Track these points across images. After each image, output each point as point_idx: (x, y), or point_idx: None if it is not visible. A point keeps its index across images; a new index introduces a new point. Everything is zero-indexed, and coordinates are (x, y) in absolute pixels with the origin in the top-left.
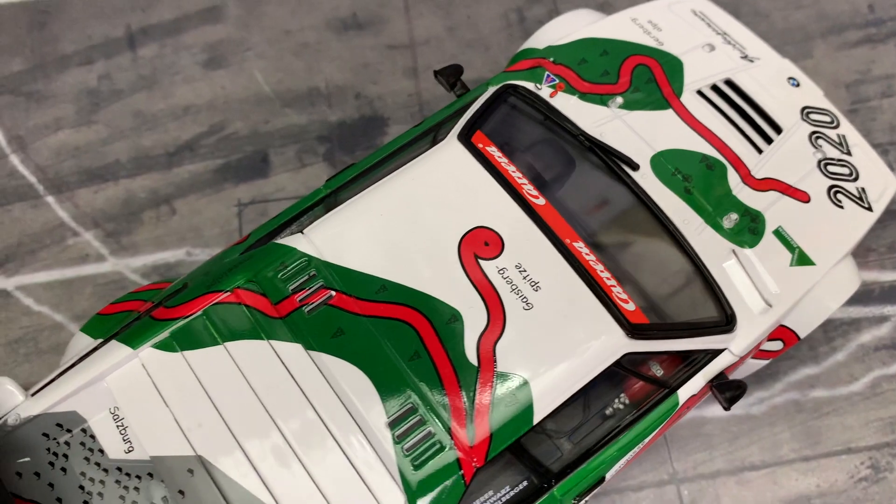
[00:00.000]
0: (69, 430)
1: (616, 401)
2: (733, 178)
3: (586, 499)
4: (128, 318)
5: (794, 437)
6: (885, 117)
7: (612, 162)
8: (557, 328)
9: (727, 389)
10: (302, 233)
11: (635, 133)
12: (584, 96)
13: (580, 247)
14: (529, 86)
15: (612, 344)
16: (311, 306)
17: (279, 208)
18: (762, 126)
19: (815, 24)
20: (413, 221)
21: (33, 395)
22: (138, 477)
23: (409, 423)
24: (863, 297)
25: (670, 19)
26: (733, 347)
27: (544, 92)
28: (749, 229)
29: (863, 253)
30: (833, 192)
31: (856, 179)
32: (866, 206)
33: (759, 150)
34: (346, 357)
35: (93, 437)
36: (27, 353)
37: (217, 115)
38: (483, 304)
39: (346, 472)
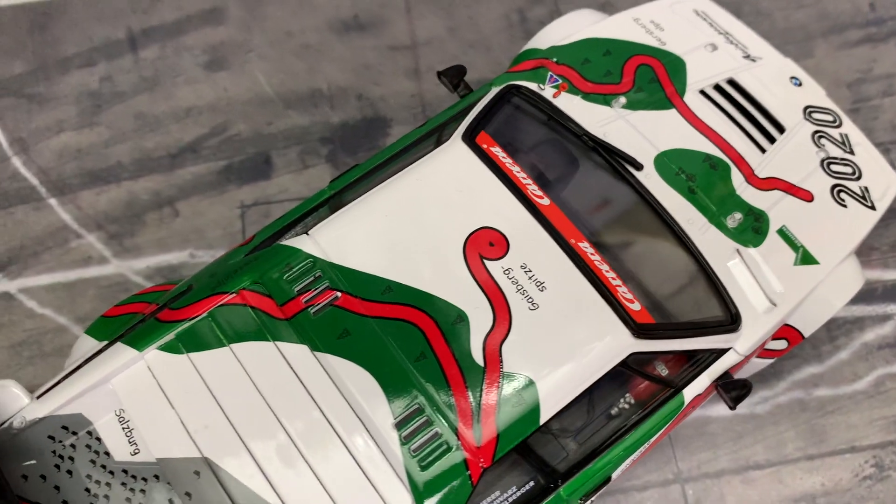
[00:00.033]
0: (75, 433)
1: (622, 401)
2: (737, 177)
3: (592, 499)
4: (133, 321)
5: (799, 436)
6: (886, 116)
7: (616, 162)
8: (563, 328)
9: (733, 389)
10: (307, 234)
11: (639, 133)
12: (588, 96)
13: (585, 247)
14: (533, 86)
15: (618, 343)
16: (316, 307)
17: (282, 210)
18: (765, 125)
19: (817, 24)
20: (418, 222)
21: (38, 397)
22: (144, 479)
23: (415, 423)
24: (866, 295)
25: (672, 19)
26: (738, 347)
27: (548, 92)
28: (753, 228)
29: (865, 252)
30: (836, 191)
31: (859, 178)
32: (869, 204)
33: (763, 150)
34: (352, 358)
35: (98, 439)
36: (31, 356)
37: (219, 116)
38: (489, 304)
39: (352, 473)
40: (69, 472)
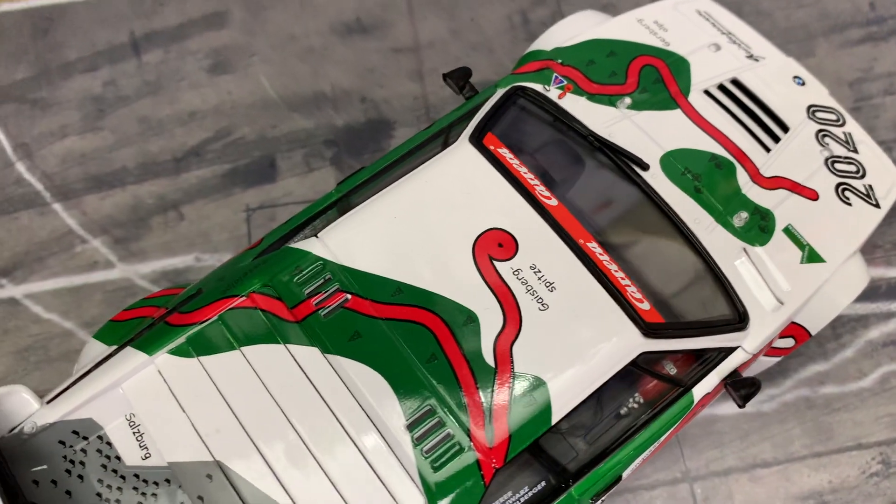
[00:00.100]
0: (85, 438)
1: (631, 400)
2: (742, 176)
3: (603, 498)
4: (141, 325)
5: (805, 434)
6: (888, 115)
7: (623, 162)
8: (573, 328)
9: (742, 387)
10: (316, 237)
11: (644, 133)
12: (593, 97)
13: (594, 247)
14: (538, 87)
15: (628, 343)
16: (327, 310)
17: (287, 213)
18: (769, 125)
19: (818, 23)
20: (427, 224)
21: (49, 402)
22: (156, 483)
23: (427, 424)
24: (870, 293)
25: (676, 20)
26: (746, 345)
27: (553, 93)
28: (759, 227)
29: (869, 249)
30: (841, 190)
31: (863, 177)
32: (874, 202)
33: (767, 149)
34: (363, 360)
35: (109, 444)
36: (38, 361)
37: (223, 120)
38: (499, 305)
39: (365, 475)
40: (80, 476)
